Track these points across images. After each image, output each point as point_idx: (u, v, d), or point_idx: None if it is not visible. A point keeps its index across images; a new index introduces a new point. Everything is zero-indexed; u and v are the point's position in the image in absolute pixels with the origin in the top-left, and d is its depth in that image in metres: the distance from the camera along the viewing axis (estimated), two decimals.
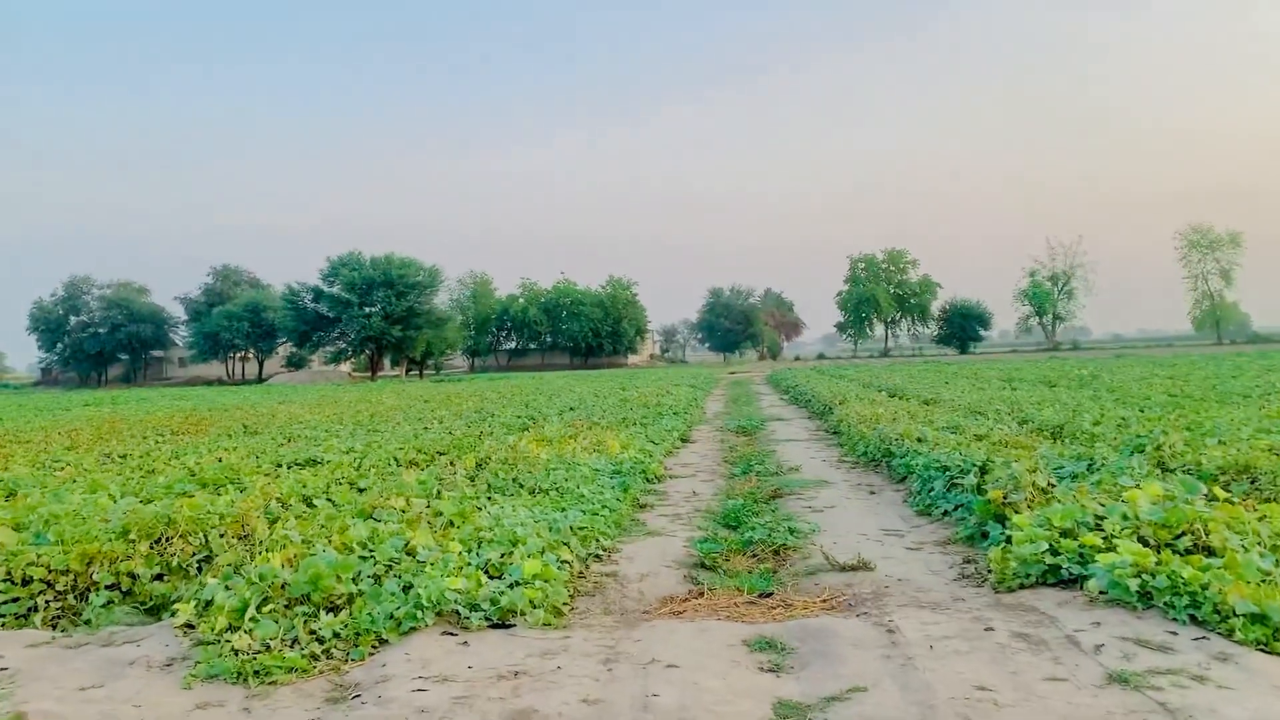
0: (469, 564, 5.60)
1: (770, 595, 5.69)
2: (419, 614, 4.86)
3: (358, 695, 4.08)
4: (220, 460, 11.68)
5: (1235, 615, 4.28)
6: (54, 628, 5.38)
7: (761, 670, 4.26)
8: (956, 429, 12.20)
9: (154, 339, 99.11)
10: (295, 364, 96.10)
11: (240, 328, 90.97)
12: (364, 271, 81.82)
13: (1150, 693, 3.68)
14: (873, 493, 9.68)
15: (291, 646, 4.56)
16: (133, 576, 5.76)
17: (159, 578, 5.88)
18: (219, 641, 4.57)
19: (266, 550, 5.86)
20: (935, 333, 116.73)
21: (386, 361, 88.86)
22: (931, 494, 8.44)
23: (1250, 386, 19.01)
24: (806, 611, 5.28)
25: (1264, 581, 4.56)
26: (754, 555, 6.89)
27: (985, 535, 6.61)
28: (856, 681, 4.02)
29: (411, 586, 5.13)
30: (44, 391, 74.98)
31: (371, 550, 5.78)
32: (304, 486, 8.62)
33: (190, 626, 4.94)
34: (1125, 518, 5.66)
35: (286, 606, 4.92)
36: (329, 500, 8.03)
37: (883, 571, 6.14)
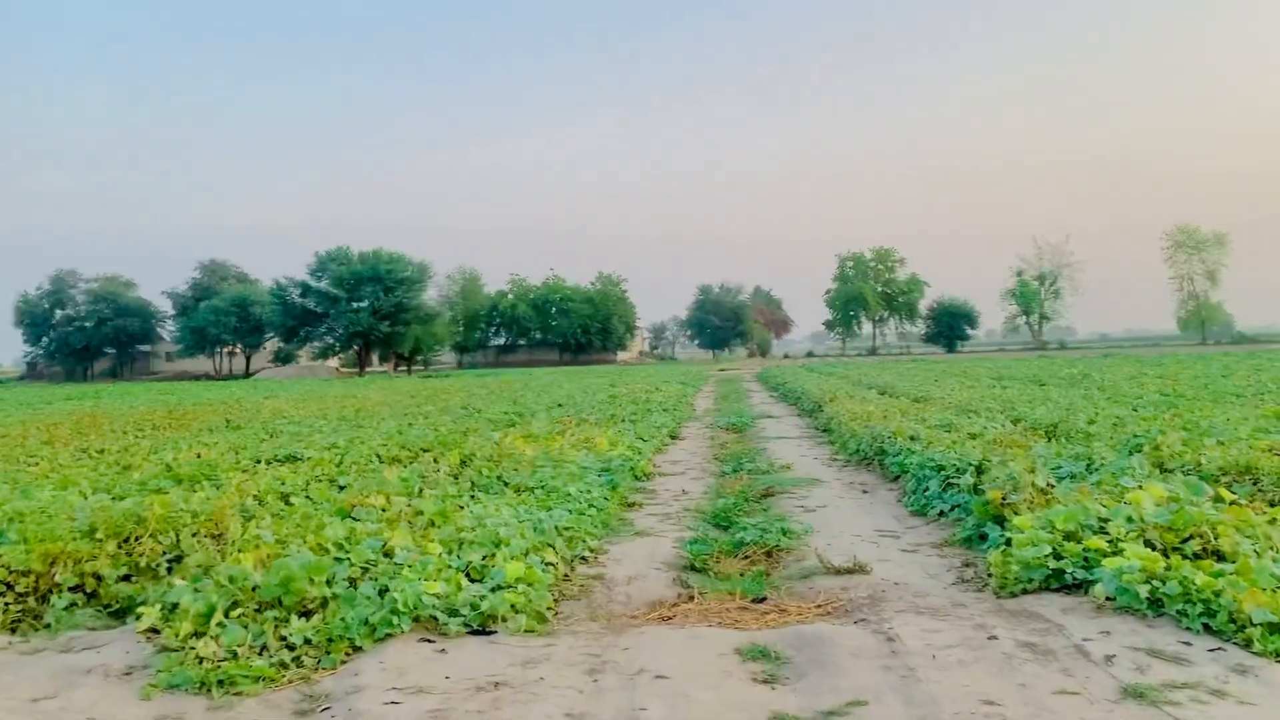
0: (449, 566, 5.36)
1: (763, 600, 5.46)
2: (395, 619, 4.62)
3: (327, 708, 3.84)
4: (199, 456, 11.39)
5: (1252, 624, 4.08)
6: (13, 631, 5.12)
7: (755, 681, 4.03)
8: (949, 427, 12.02)
9: (140, 333, 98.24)
10: (283, 359, 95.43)
11: (227, 323, 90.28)
12: (352, 266, 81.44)
13: (1168, 708, 3.47)
14: (866, 492, 9.48)
15: (260, 654, 4.32)
16: (98, 577, 5.49)
17: (126, 579, 5.61)
18: (183, 648, 4.33)
19: (239, 550, 5.61)
20: (923, 331, 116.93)
21: (374, 357, 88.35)
22: (926, 494, 8.24)
23: (1242, 386, 18.94)
24: (802, 618, 5.05)
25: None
26: (746, 557, 6.66)
27: (984, 537, 6.41)
28: (856, 694, 3.80)
29: (388, 590, 4.88)
30: (28, 385, 74.27)
31: (348, 551, 5.53)
32: (282, 483, 8.38)
33: (155, 631, 4.70)
34: (1130, 520, 5.46)
35: (257, 610, 4.67)
36: (307, 498, 7.78)
37: (879, 575, 5.92)
